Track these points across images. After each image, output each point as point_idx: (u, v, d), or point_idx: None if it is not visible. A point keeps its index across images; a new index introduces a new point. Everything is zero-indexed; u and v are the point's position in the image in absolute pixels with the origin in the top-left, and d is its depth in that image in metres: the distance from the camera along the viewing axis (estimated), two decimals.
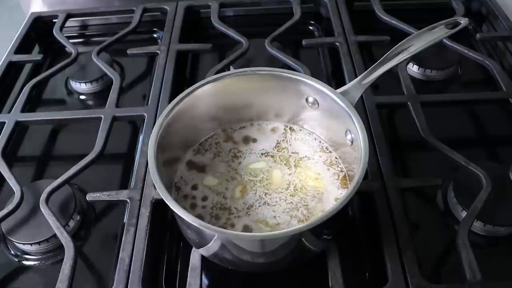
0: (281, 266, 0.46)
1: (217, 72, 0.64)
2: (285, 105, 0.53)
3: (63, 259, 0.47)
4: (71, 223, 0.53)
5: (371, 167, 0.53)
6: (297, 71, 0.63)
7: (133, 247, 0.48)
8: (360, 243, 0.52)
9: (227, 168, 0.51)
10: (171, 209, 0.40)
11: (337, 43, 0.71)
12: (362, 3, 0.80)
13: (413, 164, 0.59)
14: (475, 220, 0.49)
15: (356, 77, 0.50)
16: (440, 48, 0.69)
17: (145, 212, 0.51)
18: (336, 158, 0.51)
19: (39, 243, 0.51)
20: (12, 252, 0.53)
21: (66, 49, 0.75)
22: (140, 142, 0.62)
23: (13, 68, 0.75)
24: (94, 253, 0.53)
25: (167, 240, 0.53)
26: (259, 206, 0.47)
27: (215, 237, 0.40)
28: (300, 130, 0.54)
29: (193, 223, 0.38)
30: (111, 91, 0.66)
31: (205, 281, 0.48)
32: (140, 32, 0.81)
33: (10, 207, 0.52)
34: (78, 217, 0.55)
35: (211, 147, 0.53)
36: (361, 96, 0.48)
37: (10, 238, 0.52)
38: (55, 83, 0.75)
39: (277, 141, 0.53)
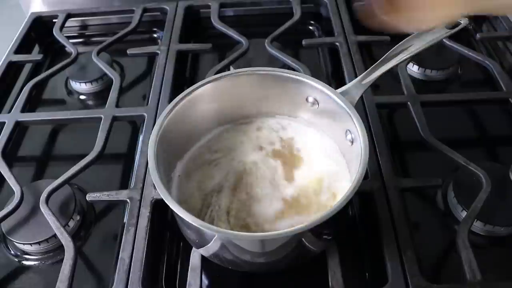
0: (281, 266, 0.46)
1: (217, 72, 0.64)
2: (285, 105, 0.53)
3: (63, 259, 0.47)
4: (71, 223, 0.53)
5: (371, 167, 0.53)
6: (297, 71, 0.63)
7: (133, 247, 0.48)
8: (360, 243, 0.52)
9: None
10: (171, 209, 0.40)
11: (337, 43, 0.71)
12: (362, 3, 0.80)
13: (413, 164, 0.59)
14: (475, 220, 0.49)
15: (356, 77, 0.50)
16: (440, 48, 0.69)
17: (145, 212, 0.51)
18: (335, 159, 0.51)
19: (39, 243, 0.51)
20: (12, 252, 0.53)
21: (66, 49, 0.75)
22: (140, 142, 0.62)
23: (13, 68, 0.75)
24: (94, 253, 0.53)
25: (167, 240, 0.53)
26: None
27: (215, 237, 0.40)
28: (300, 130, 0.54)
29: (193, 223, 0.38)
30: (111, 91, 0.66)
31: (205, 281, 0.48)
32: (140, 32, 0.81)
33: (10, 207, 0.52)
34: (78, 217, 0.55)
35: (210, 146, 0.53)
36: (361, 96, 0.48)
37: (10, 238, 0.52)
38: (55, 83, 0.75)
39: (277, 141, 0.53)
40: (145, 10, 0.80)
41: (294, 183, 0.48)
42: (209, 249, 0.43)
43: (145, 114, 0.62)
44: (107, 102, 0.64)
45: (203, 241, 0.42)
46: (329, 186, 0.48)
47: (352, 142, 0.46)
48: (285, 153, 0.51)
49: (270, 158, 0.51)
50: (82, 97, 0.74)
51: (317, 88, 0.48)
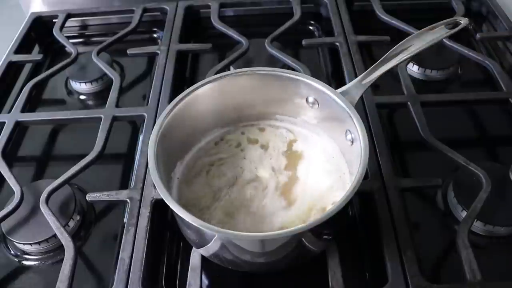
0: (281, 266, 0.46)
1: (217, 72, 0.64)
2: (285, 105, 0.53)
3: (63, 259, 0.47)
4: (71, 223, 0.53)
5: (371, 167, 0.53)
6: (297, 71, 0.63)
7: (133, 247, 0.48)
8: (360, 243, 0.52)
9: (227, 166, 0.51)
10: (171, 209, 0.40)
11: (337, 43, 0.71)
12: (362, 3, 0.80)
13: (413, 164, 0.59)
14: (475, 220, 0.49)
15: (356, 77, 0.50)
16: (440, 48, 0.69)
17: (145, 212, 0.51)
18: (335, 161, 0.50)
19: (39, 243, 0.51)
20: (12, 252, 0.53)
21: (66, 49, 0.75)
22: (140, 142, 0.62)
23: (13, 68, 0.75)
24: (94, 253, 0.53)
25: (167, 240, 0.53)
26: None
27: (215, 237, 0.40)
28: (300, 130, 0.54)
29: (193, 223, 0.38)
30: (111, 91, 0.66)
31: (205, 281, 0.48)
32: (140, 32, 0.81)
33: (10, 207, 0.52)
34: (78, 217, 0.55)
35: (211, 147, 0.53)
36: (361, 96, 0.48)
37: (10, 238, 0.52)
38: (55, 83, 0.75)
39: (277, 141, 0.53)
40: (145, 10, 0.80)
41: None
42: (209, 249, 0.43)
43: (145, 114, 0.62)
44: (107, 102, 0.64)
45: (203, 241, 0.42)
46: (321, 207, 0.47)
47: (352, 142, 0.46)
48: (285, 157, 0.51)
49: (277, 193, 0.49)
50: (82, 97, 0.74)
51: (317, 88, 0.48)
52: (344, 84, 0.49)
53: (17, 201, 0.52)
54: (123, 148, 0.64)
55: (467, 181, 0.52)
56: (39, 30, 0.83)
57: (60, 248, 0.51)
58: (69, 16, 0.81)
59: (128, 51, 0.73)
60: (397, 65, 0.49)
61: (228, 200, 0.48)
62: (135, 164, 0.58)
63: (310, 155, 0.51)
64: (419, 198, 0.55)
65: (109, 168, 0.61)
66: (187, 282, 0.45)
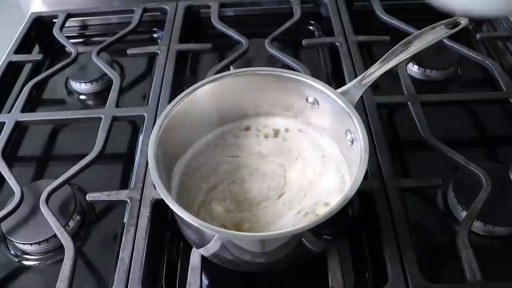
0: (281, 266, 0.46)
1: (217, 72, 0.64)
2: (285, 105, 0.53)
3: (63, 259, 0.47)
4: (71, 223, 0.53)
5: (371, 167, 0.53)
6: (297, 71, 0.63)
7: (133, 247, 0.48)
8: (360, 243, 0.52)
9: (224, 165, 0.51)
10: (171, 209, 0.40)
11: (337, 43, 0.71)
12: (362, 3, 0.80)
13: (413, 164, 0.59)
14: (475, 220, 0.49)
15: (356, 77, 0.50)
16: (440, 48, 0.69)
17: (145, 212, 0.51)
18: (335, 160, 0.50)
19: (39, 243, 0.51)
20: (12, 252, 0.53)
21: (66, 49, 0.75)
22: (140, 142, 0.62)
23: (13, 68, 0.75)
24: (94, 253, 0.53)
25: (167, 240, 0.53)
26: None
27: (215, 237, 0.40)
28: (300, 130, 0.54)
29: (193, 223, 0.38)
30: (111, 91, 0.66)
31: (205, 281, 0.48)
32: (140, 32, 0.81)
33: (10, 207, 0.52)
34: (78, 217, 0.55)
35: (210, 146, 0.53)
36: (361, 96, 0.48)
37: (10, 238, 0.52)
38: (55, 83, 0.75)
39: (277, 141, 0.53)
40: (145, 10, 0.80)
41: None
42: (209, 249, 0.43)
43: (145, 114, 0.62)
44: (107, 102, 0.64)
45: (203, 241, 0.42)
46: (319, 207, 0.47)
47: (352, 142, 0.46)
48: (285, 158, 0.51)
49: (276, 193, 0.49)
50: (82, 97, 0.74)
51: (317, 88, 0.48)
52: (344, 84, 0.49)
53: (17, 201, 0.52)
54: (123, 148, 0.64)
55: (467, 181, 0.52)
56: (39, 30, 0.83)
57: (60, 248, 0.51)
58: (69, 16, 0.81)
59: (128, 51, 0.73)
60: (397, 65, 0.49)
61: (227, 200, 0.48)
62: (135, 164, 0.58)
63: (310, 155, 0.51)
64: (419, 198, 0.55)
65: (109, 168, 0.61)
66: (187, 282, 0.45)
